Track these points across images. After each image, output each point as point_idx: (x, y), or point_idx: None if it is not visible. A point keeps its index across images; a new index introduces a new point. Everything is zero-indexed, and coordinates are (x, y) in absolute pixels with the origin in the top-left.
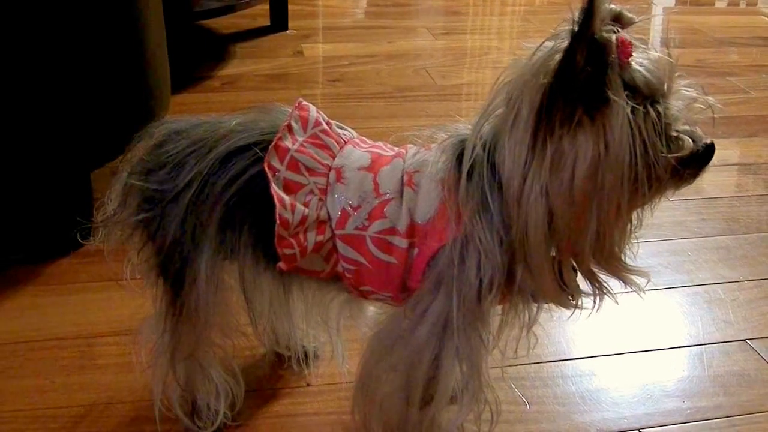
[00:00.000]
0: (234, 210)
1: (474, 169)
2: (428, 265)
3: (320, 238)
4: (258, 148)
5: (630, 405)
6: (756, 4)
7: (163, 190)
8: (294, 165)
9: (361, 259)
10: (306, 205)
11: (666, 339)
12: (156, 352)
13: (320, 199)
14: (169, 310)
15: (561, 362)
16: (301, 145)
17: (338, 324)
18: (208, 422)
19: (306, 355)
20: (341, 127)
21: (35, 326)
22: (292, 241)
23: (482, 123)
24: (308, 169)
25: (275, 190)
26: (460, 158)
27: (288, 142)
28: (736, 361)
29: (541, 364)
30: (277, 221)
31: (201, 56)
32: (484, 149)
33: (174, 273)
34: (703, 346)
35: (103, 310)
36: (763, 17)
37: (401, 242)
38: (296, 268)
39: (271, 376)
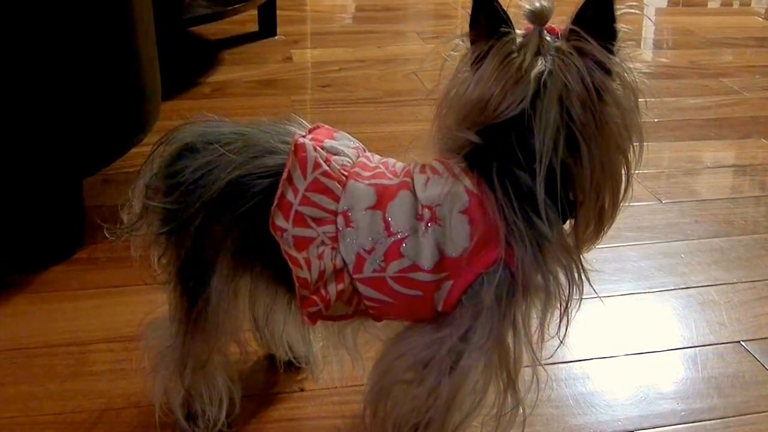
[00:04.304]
0: (243, 242)
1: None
2: (464, 292)
3: (340, 286)
4: (258, 177)
5: (624, 407)
6: (749, 4)
7: (179, 210)
8: (300, 220)
9: (385, 298)
10: (320, 257)
11: (660, 341)
12: (161, 355)
13: (333, 248)
14: (184, 318)
15: (554, 365)
16: (303, 195)
17: (356, 343)
18: (206, 427)
19: (306, 359)
20: (343, 138)
21: (28, 333)
22: (315, 298)
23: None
24: (315, 219)
25: (287, 251)
26: (481, 177)
27: (290, 196)
28: (730, 362)
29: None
30: (296, 283)
31: (190, 63)
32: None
33: (191, 285)
34: (697, 348)
35: (95, 317)
36: (756, 17)
37: (426, 277)
38: (322, 317)
39: (265, 382)
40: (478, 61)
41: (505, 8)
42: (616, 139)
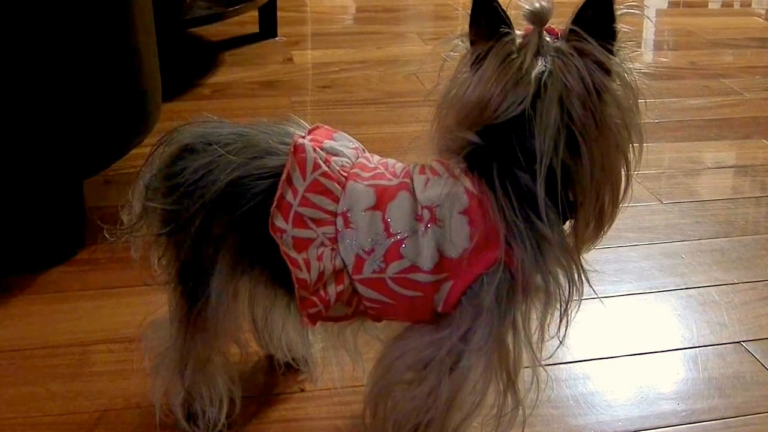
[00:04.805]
0: (243, 243)
1: (503, 180)
2: (464, 292)
3: (340, 287)
4: (257, 178)
5: (624, 408)
6: (750, 5)
7: (179, 211)
8: (299, 220)
9: (385, 299)
10: (320, 258)
11: (660, 342)
12: (162, 356)
13: (332, 249)
14: (184, 319)
15: (555, 366)
16: (303, 197)
17: (356, 344)
18: (206, 428)
19: (305, 361)
20: (342, 138)
21: (29, 334)
22: (314, 299)
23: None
24: (314, 220)
25: (286, 252)
26: (481, 178)
27: (289, 197)
28: (730, 363)
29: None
30: (296, 284)
31: (191, 64)
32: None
33: (190, 286)
34: (697, 349)
35: (96, 318)
36: (757, 18)
37: (425, 278)
38: (322, 318)
39: (265, 382)
40: (477, 62)
41: (505, 8)
42: (616, 139)
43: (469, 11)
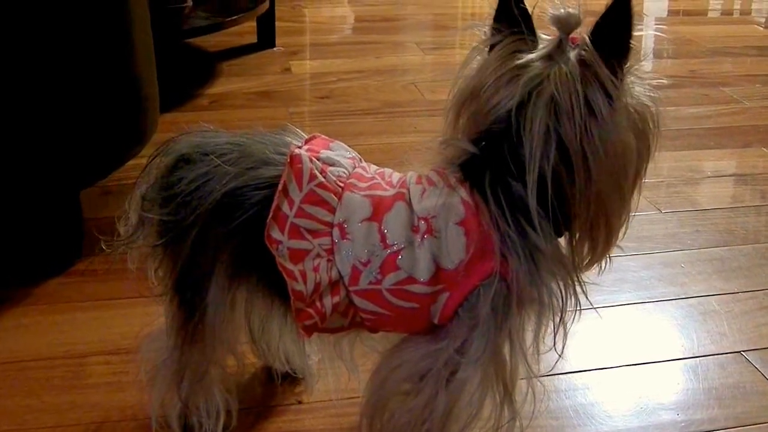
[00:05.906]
0: (239, 254)
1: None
2: (461, 304)
3: (336, 299)
4: (253, 188)
5: (624, 418)
6: (749, 13)
7: (175, 221)
8: (295, 232)
9: (381, 310)
10: (316, 270)
11: (660, 352)
12: (158, 367)
13: (329, 260)
14: (181, 330)
15: (554, 376)
16: (299, 207)
17: (352, 355)
18: None
19: (303, 371)
20: (339, 148)
21: (25, 346)
22: (310, 310)
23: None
24: (310, 231)
25: (282, 263)
26: (475, 188)
27: (285, 208)
28: (731, 373)
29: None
30: (291, 296)
31: (189, 75)
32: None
33: (187, 297)
34: (697, 359)
35: (92, 329)
36: (756, 26)
37: (422, 289)
38: (318, 330)
39: (262, 394)
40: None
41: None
42: (610, 164)
43: (494, 8)
